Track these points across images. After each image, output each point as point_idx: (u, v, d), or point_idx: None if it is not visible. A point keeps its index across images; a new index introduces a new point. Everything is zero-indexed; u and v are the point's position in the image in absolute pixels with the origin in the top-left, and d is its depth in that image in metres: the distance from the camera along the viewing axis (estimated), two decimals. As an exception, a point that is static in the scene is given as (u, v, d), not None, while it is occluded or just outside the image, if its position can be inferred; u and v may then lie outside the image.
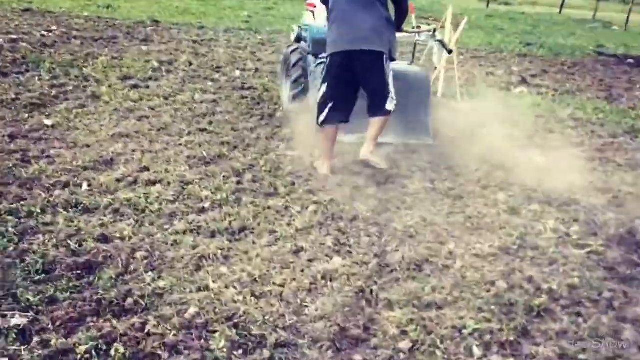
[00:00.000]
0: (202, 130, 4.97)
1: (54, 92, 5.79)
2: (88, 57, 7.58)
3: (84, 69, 6.88)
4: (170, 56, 8.06)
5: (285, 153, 4.44)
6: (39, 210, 3.17)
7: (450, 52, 5.10)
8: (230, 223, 3.19)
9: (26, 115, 5.00)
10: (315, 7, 6.16)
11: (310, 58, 5.36)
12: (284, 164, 4.21)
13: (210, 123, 5.15)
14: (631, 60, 11.30)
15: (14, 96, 5.46)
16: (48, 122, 4.84)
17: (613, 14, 22.84)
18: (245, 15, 13.67)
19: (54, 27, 9.43)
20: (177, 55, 8.15)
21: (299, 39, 6.06)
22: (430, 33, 5.39)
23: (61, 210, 3.22)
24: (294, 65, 5.49)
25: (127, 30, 9.91)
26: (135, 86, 6.28)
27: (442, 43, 5.09)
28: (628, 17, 19.87)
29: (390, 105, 3.92)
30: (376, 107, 3.95)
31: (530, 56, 11.09)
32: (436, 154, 4.70)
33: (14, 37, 8.28)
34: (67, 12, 11.18)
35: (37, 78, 6.25)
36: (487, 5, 21.66)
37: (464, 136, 5.07)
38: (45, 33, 8.90)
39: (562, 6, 22.64)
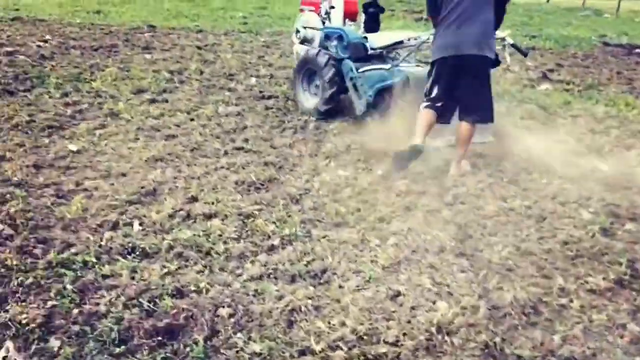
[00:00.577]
0: (239, 148, 4.62)
1: (69, 111, 5.39)
2: (93, 68, 7.16)
3: (92, 82, 6.47)
4: (178, 65, 7.67)
5: (337, 173, 4.11)
6: (94, 259, 2.81)
7: (526, 54, 4.76)
8: (308, 263, 2.86)
9: (46, 140, 4.60)
10: (316, 7, 5.91)
11: (347, 62, 5.15)
12: (340, 186, 3.88)
13: (246, 140, 4.79)
14: (639, 50, 11.15)
15: (27, 118, 5.04)
16: (73, 147, 4.45)
17: (601, 1, 22.79)
18: (240, 17, 13.27)
19: (48, 37, 8.95)
20: (186, 64, 7.75)
21: (305, 41, 5.83)
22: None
23: (118, 257, 2.86)
24: (324, 68, 5.24)
25: (125, 37, 9.45)
26: (152, 101, 5.89)
27: (516, 47, 4.68)
28: (619, 5, 19.82)
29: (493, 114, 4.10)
30: (473, 113, 4.05)
31: (539, 49, 10.87)
32: (492, 164, 4.43)
33: (9, 49, 7.80)
34: (58, 20, 10.67)
35: (47, 95, 5.84)
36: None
37: (512, 141, 4.81)
38: (41, 44, 8.42)
39: (550, -5, 22.55)
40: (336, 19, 5.98)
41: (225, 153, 4.52)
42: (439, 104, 4.07)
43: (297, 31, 5.99)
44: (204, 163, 4.28)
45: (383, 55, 5.44)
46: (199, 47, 9.06)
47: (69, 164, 4.14)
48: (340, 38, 5.33)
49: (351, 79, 5.13)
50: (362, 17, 5.86)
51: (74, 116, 5.31)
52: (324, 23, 5.80)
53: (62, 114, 5.30)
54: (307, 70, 5.60)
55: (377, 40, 5.45)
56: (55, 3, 12.51)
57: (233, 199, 3.59)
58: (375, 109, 4.90)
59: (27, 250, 2.85)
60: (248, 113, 5.69)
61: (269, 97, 6.34)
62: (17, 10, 11.34)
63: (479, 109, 4.05)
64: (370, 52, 5.36)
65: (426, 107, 4.10)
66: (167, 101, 5.94)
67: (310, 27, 5.89)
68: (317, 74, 5.43)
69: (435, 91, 4.07)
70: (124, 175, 3.97)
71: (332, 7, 5.82)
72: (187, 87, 6.60)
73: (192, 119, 5.41)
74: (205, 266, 2.82)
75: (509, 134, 4.88)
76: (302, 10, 6.30)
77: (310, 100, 5.65)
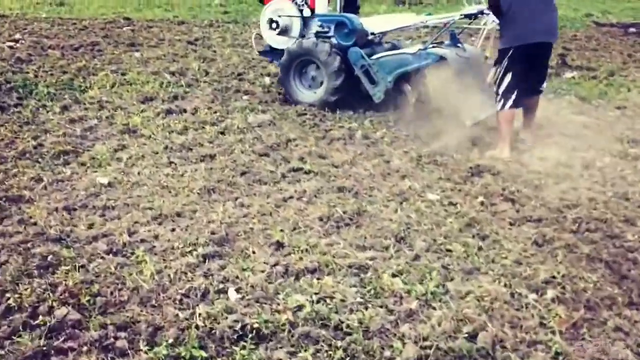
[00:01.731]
0: (297, 170, 3.98)
1: (77, 129, 4.60)
2: (82, 73, 6.30)
3: (89, 90, 5.66)
4: (176, 64, 6.87)
5: (427, 197, 3.54)
6: (202, 353, 2.16)
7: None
8: (470, 336, 2.30)
9: (66, 171, 3.85)
10: None
11: (356, 50, 5.01)
12: (440, 215, 3.32)
13: (301, 159, 4.14)
14: (633, 29, 10.96)
15: (33, 142, 4.25)
16: (102, 179, 3.71)
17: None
18: (217, 4, 12.36)
19: (18, 35, 7.95)
20: (184, 63, 6.96)
21: (284, 31, 5.54)
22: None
23: (228, 344, 2.23)
24: (328, 57, 5.05)
25: (104, 33, 8.53)
26: (168, 112, 5.14)
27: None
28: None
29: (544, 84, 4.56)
30: (537, 91, 4.46)
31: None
32: (573, 170, 3.98)
33: (-22, 52, 6.83)
34: (22, 15, 9.59)
35: (45, 110, 5.01)
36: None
37: (579, 142, 4.43)
38: (12, 44, 7.44)
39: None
40: (322, 5, 5.56)
41: (284, 176, 3.87)
42: (513, 97, 4.19)
43: (272, 21, 5.50)
44: (265, 192, 3.63)
45: (381, 40, 5.53)
46: (189, 42, 8.24)
47: (105, 203, 3.42)
48: (342, 25, 5.09)
49: (362, 66, 4.97)
50: (320, 1, 5.53)
51: (85, 136, 4.54)
52: (301, 10, 5.46)
53: (71, 133, 4.52)
54: (300, 62, 5.27)
55: (374, 25, 5.32)
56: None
57: (328, 242, 2.98)
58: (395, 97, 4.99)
59: (110, 346, 2.18)
60: (281, 121, 5.02)
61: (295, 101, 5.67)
62: (-30, 4, 10.15)
63: (544, 82, 4.54)
64: (370, 37, 5.29)
65: (508, 107, 4.23)
66: (185, 111, 5.19)
67: (287, 16, 5.51)
68: (316, 65, 5.21)
69: (507, 82, 4.18)
70: (179, 215, 3.29)
71: None
72: (199, 91, 5.86)
73: (222, 132, 4.72)
74: (345, 350, 2.21)
75: (568, 133, 4.58)
76: (265, 0, 5.75)
77: (305, 93, 5.37)
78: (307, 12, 5.52)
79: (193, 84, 6.10)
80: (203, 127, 4.83)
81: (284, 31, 5.53)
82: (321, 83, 5.27)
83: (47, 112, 4.99)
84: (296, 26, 5.54)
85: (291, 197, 3.52)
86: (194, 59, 7.16)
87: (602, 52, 8.88)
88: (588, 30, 10.87)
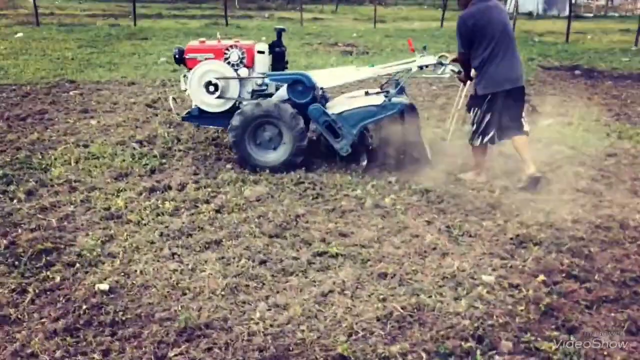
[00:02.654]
0: (322, 253, 3.56)
1: (52, 220, 3.98)
2: (38, 147, 5.65)
3: (52, 168, 5.02)
4: (140, 131, 6.34)
5: (482, 280, 3.20)
6: None
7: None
8: None
9: (56, 277, 3.23)
10: (217, 54, 5.27)
11: (317, 107, 4.97)
12: (507, 302, 2.98)
13: (324, 241, 3.72)
14: (579, 72, 11.44)
15: (5, 241, 3.59)
16: (102, 285, 3.13)
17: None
18: (164, 62, 11.86)
19: (-47, 106, 7.15)
20: (149, 129, 6.42)
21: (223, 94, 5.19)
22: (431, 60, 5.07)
23: None
24: (293, 118, 4.91)
25: (50, 99, 7.86)
26: (151, 190, 4.61)
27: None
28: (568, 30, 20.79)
29: (527, 127, 4.87)
30: (516, 130, 4.74)
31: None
32: (613, 232, 3.80)
33: None
34: (-48, 81, 8.71)
35: (8, 197, 4.34)
36: (375, 26, 21.43)
37: (598, 199, 4.26)
38: (-52, 117, 6.65)
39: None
40: (263, 65, 5.37)
41: (310, 263, 3.43)
42: (491, 134, 4.69)
43: (209, 84, 5.15)
44: (297, 285, 3.18)
45: (325, 95, 5.57)
46: (148, 105, 7.70)
47: (113, 317, 2.85)
48: (298, 83, 5.01)
49: (324, 122, 4.94)
50: (262, 60, 5.36)
51: (63, 227, 3.93)
52: (236, 70, 5.25)
53: (46, 225, 3.90)
54: (256, 124, 5.03)
55: (321, 79, 5.24)
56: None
57: (400, 351, 2.57)
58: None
59: None
60: (280, 193, 4.60)
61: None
62: None
63: (519, 122, 4.76)
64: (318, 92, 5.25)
65: (482, 143, 4.75)
66: (169, 187, 4.67)
67: (225, 77, 5.19)
68: (273, 125, 5.03)
69: (486, 121, 4.64)
70: (209, 327, 2.77)
71: (261, 52, 5.33)
72: (176, 162, 5.35)
73: (219, 211, 4.23)
74: None
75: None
76: (190, 61, 5.31)
77: (265, 155, 5.10)
78: (244, 72, 5.28)
79: (167, 154, 5.58)
80: (196, 206, 4.33)
81: (221, 94, 5.20)
82: (277, 144, 5.08)
83: (11, 199, 4.33)
84: (234, 87, 5.28)
85: (331, 291, 3.08)
86: (159, 124, 6.63)
87: (563, 97, 9.08)
88: (538, 75, 11.20)
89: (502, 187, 4.69)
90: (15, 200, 4.30)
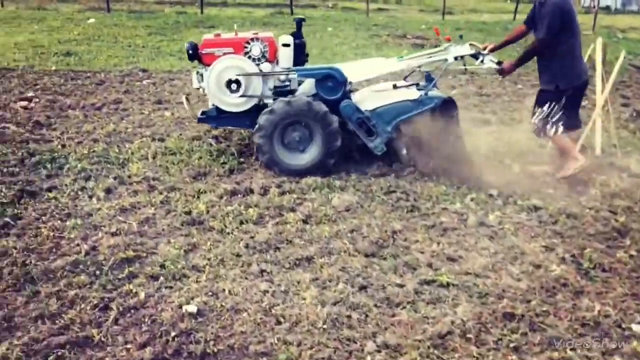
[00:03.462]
0: (431, 281, 3.14)
1: (133, 224, 3.72)
2: (113, 139, 5.46)
3: (129, 164, 4.79)
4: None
5: (633, 330, 2.70)
6: None
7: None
8: None
9: (140, 293, 2.95)
10: (237, 47, 4.78)
11: (349, 103, 4.66)
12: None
13: (431, 266, 3.30)
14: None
15: (86, 246, 3.35)
16: (191, 308, 2.83)
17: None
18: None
19: (30, 93, 7.13)
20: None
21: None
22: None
23: None
24: (326, 117, 4.56)
25: (124, 88, 7.72)
26: (233, 193, 4.31)
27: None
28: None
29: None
30: (579, 124, 4.78)
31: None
32: None
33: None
34: (29, 68, 8.74)
35: (87, 195, 4.13)
36: (443, 17, 20.60)
37: None
38: (25, 104, 6.61)
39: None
40: (287, 59, 4.85)
41: (419, 293, 3.03)
42: (562, 125, 4.50)
43: (231, 82, 4.66)
44: (407, 322, 2.77)
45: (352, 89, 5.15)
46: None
47: (204, 348, 2.54)
48: (328, 78, 4.69)
49: (358, 119, 4.63)
50: (286, 53, 4.83)
51: (144, 231, 3.67)
52: (258, 66, 4.77)
53: (126, 230, 3.65)
54: (285, 124, 4.64)
55: (350, 73, 4.83)
56: (10, 46, 10.46)
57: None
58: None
59: None
60: (370, 203, 4.20)
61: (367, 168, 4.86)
62: (-31, 55, 9.28)
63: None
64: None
65: (560, 131, 4.53)
66: (251, 191, 4.35)
67: (248, 74, 4.70)
68: (302, 125, 4.66)
69: (559, 115, 4.47)
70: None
71: (286, 45, 4.82)
72: (256, 161, 5.02)
73: (306, 221, 3.88)
74: None
75: None
76: (207, 57, 4.80)
77: (296, 157, 4.72)
78: (266, 67, 4.81)
79: (245, 152, 5.27)
80: (281, 214, 3.99)
81: (244, 91, 4.75)
82: (308, 145, 4.71)
83: (90, 197, 4.12)
84: (256, 84, 4.79)
85: (450, 333, 2.66)
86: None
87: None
88: (632, 75, 10.32)
89: (624, 207, 4.13)
90: (94, 199, 4.08)
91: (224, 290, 3.02)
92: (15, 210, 3.86)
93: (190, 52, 4.77)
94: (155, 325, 2.70)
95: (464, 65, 4.95)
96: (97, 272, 3.14)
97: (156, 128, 5.94)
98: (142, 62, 9.68)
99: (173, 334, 2.63)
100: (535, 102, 4.67)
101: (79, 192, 4.19)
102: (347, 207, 4.12)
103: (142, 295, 2.92)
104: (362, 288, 3.07)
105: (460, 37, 4.85)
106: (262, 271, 3.24)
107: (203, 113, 5.03)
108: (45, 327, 2.64)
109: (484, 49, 4.75)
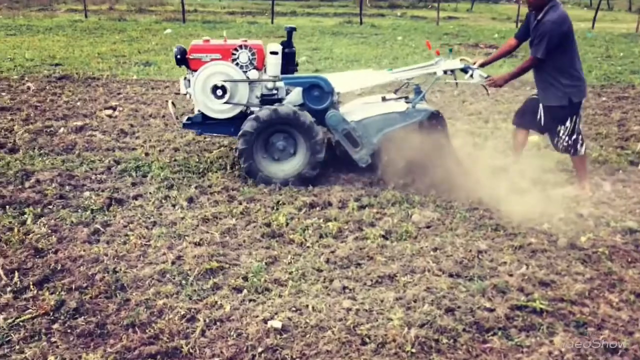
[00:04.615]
0: (523, 307, 2.98)
1: (215, 234, 3.77)
2: (192, 148, 5.56)
3: (209, 173, 4.86)
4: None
5: None
6: None
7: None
8: None
9: (226, 305, 2.96)
10: (224, 54, 4.74)
11: (336, 114, 4.62)
12: None
13: (522, 290, 3.15)
14: None
15: (172, 256, 3.42)
16: (276, 324, 2.80)
17: None
18: (303, 61, 11.72)
19: (114, 102, 7.40)
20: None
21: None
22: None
23: None
24: (311, 127, 4.54)
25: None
26: (311, 205, 4.29)
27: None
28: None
29: None
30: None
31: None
32: None
33: (78, 122, 6.25)
34: (112, 77, 9.13)
35: (171, 203, 4.22)
36: (517, 25, 19.96)
37: None
38: (110, 112, 6.87)
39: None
40: (275, 67, 4.78)
41: (511, 319, 2.88)
42: (582, 140, 4.52)
43: (217, 87, 4.63)
44: (500, 349, 2.64)
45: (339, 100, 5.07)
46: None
47: (292, 366, 2.50)
48: (315, 87, 4.63)
49: (344, 130, 4.60)
50: (274, 61, 4.76)
51: (226, 242, 3.71)
52: (245, 73, 4.75)
53: (209, 240, 3.70)
54: (270, 132, 4.63)
55: (338, 83, 4.79)
56: (94, 56, 10.98)
57: None
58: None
59: None
60: (452, 220, 4.08)
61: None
62: (58, 65, 9.79)
63: None
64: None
65: (584, 150, 4.54)
66: (329, 204, 4.33)
67: (231, 80, 4.67)
68: (287, 134, 4.64)
69: (578, 129, 4.46)
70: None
71: (274, 53, 4.74)
72: (333, 172, 4.98)
73: (386, 237, 3.81)
74: None
75: None
76: (194, 62, 4.75)
77: (277, 167, 4.70)
78: (254, 75, 4.77)
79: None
80: (361, 229, 3.94)
81: (230, 98, 4.71)
82: (291, 155, 4.68)
83: (173, 206, 4.21)
84: (242, 91, 4.76)
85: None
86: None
87: None
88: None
89: None
90: (177, 208, 4.17)
91: (307, 306, 2.99)
92: (105, 217, 4.00)
93: (179, 57, 4.80)
94: (241, 340, 2.70)
95: (455, 79, 4.85)
96: (183, 282, 3.19)
97: (234, 138, 6.02)
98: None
99: (259, 349, 2.61)
100: (551, 120, 4.47)
101: (163, 201, 4.29)
102: (428, 224, 4.02)
103: (227, 307, 2.94)
104: (449, 310, 2.96)
105: (450, 51, 4.82)
106: (344, 288, 3.19)
107: (189, 119, 5.01)
108: (137, 336, 2.69)
109: (474, 63, 4.69)
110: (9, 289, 3.05)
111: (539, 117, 4.53)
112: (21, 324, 2.76)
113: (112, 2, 24.18)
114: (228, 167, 5.07)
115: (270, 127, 4.59)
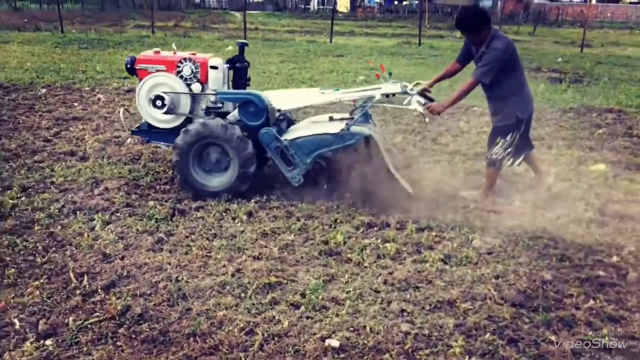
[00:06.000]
0: (591, 343, 2.86)
1: (274, 249, 3.80)
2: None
3: (270, 189, 4.91)
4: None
5: None
6: None
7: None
8: None
9: (284, 321, 2.98)
10: (169, 66, 4.84)
11: (269, 131, 4.61)
12: None
13: (590, 325, 3.03)
14: None
15: (232, 268, 3.46)
16: (334, 342, 2.80)
17: None
18: (361, 80, 11.77)
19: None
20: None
21: (172, 109, 4.79)
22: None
23: None
24: (239, 140, 4.53)
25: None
26: (369, 225, 4.27)
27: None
28: None
29: None
30: (531, 146, 4.92)
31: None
32: None
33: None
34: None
35: (231, 217, 4.29)
36: (582, 50, 19.44)
37: None
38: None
39: None
40: (216, 81, 4.84)
41: (578, 355, 2.76)
42: (522, 154, 4.76)
43: (157, 97, 4.72)
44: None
45: (287, 117, 5.18)
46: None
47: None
48: (249, 103, 4.64)
49: (276, 148, 4.59)
50: (215, 75, 4.82)
51: (284, 258, 3.74)
52: (189, 85, 4.83)
53: (268, 254, 3.73)
54: (202, 145, 4.64)
55: (279, 101, 4.83)
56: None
57: None
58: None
59: None
60: (515, 248, 3.97)
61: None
62: (126, 78, 10.22)
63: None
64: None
65: (517, 163, 4.77)
66: (387, 225, 4.30)
67: (173, 92, 4.79)
68: (220, 147, 4.64)
69: (518, 143, 4.62)
70: None
71: (214, 68, 4.82)
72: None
73: (445, 261, 3.74)
74: None
75: None
76: (140, 72, 4.88)
77: (209, 179, 4.71)
78: (197, 88, 4.84)
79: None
80: (419, 252, 3.89)
81: (171, 109, 4.78)
82: (226, 168, 4.68)
83: (233, 219, 4.29)
84: (184, 103, 4.85)
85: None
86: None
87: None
88: None
89: None
90: (237, 221, 4.25)
91: (364, 327, 2.97)
92: (168, 226, 4.11)
93: (129, 66, 4.94)
94: (299, 356, 2.71)
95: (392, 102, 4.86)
96: (242, 295, 3.23)
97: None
98: (277, 87, 10.09)
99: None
100: (495, 135, 4.65)
101: (224, 214, 4.38)
102: (489, 250, 3.92)
103: (285, 323, 2.95)
104: (512, 341, 2.87)
105: (390, 74, 4.74)
106: (402, 310, 3.15)
107: (137, 127, 5.16)
108: (197, 345, 2.74)
109: (415, 85, 4.73)
110: (78, 291, 3.17)
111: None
112: (89, 326, 2.86)
113: (177, 19, 25.12)
114: (286, 183, 5.12)
115: (200, 140, 4.61)
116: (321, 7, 42.22)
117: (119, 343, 2.75)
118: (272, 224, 4.21)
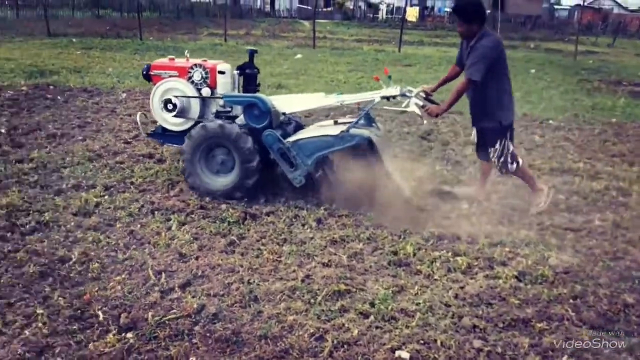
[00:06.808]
0: None
1: (343, 257, 3.81)
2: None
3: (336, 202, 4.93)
4: (419, 166, 6.00)
5: None
6: None
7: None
8: None
9: (354, 329, 2.99)
10: (181, 72, 5.09)
11: (271, 133, 4.67)
12: None
13: None
14: None
15: (302, 274, 3.50)
16: (404, 354, 2.78)
17: None
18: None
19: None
20: (426, 163, 6.07)
21: (182, 112, 5.01)
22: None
23: None
24: (239, 139, 4.63)
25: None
26: (439, 238, 4.20)
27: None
28: None
29: None
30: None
31: None
32: None
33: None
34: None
35: (301, 223, 4.34)
36: None
37: None
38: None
39: None
40: (224, 85, 5.06)
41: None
42: (517, 157, 4.72)
43: (168, 102, 4.95)
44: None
45: (296, 121, 5.30)
46: (422, 137, 7.43)
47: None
48: (253, 106, 4.73)
49: (279, 150, 4.65)
50: (223, 80, 5.05)
51: (353, 266, 3.75)
52: (199, 90, 5.05)
53: (337, 262, 3.74)
54: (206, 146, 4.77)
55: (284, 104, 4.94)
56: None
57: None
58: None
59: None
60: (593, 267, 3.80)
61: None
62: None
63: None
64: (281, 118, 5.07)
65: (520, 164, 4.73)
66: (458, 238, 4.22)
67: (184, 96, 5.00)
68: (226, 149, 4.77)
69: (509, 146, 4.61)
70: None
71: (222, 73, 5.05)
72: (465, 204, 4.86)
73: (519, 279, 3.62)
74: None
75: None
76: (155, 77, 5.16)
77: (215, 179, 4.84)
78: (206, 92, 5.05)
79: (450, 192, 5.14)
80: (491, 267, 3.79)
81: (181, 113, 4.98)
82: (232, 167, 4.78)
83: (303, 225, 4.34)
84: (195, 107, 5.06)
85: None
86: (437, 159, 6.29)
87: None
88: None
89: None
90: (307, 227, 4.30)
91: (435, 340, 2.92)
92: (240, 229, 4.21)
93: (145, 72, 5.21)
94: (369, 366, 2.70)
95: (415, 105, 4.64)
96: (312, 301, 3.26)
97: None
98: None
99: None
100: (482, 144, 4.74)
101: (293, 220, 4.44)
102: (566, 269, 3.78)
103: (355, 331, 2.96)
104: (593, 366, 2.75)
105: (389, 77, 4.68)
106: (474, 326, 3.09)
107: (153, 130, 5.42)
108: (269, 348, 2.79)
109: (423, 91, 4.77)
110: (156, 288, 3.31)
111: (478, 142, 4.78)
112: (167, 322, 2.97)
113: (249, 28, 25.76)
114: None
115: (204, 142, 4.74)
116: (390, 16, 42.18)
117: (194, 340, 2.84)
118: (341, 232, 4.23)
